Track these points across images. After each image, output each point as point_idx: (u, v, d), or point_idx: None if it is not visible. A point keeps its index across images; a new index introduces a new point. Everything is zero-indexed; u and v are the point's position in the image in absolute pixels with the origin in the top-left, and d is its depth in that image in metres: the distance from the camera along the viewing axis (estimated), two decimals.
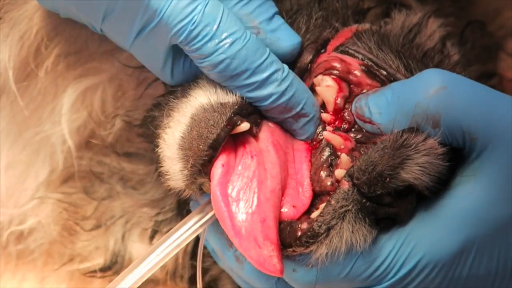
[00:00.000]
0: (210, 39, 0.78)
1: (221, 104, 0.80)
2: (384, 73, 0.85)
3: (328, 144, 0.83)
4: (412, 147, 0.78)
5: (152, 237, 0.95)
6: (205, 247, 0.93)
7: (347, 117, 0.84)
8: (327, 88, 0.84)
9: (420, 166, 0.78)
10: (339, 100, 0.84)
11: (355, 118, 0.83)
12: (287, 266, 0.81)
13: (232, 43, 0.78)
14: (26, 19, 0.88)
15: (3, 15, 0.88)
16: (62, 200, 0.96)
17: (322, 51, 0.87)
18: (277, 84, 0.80)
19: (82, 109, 0.92)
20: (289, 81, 0.81)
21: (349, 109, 0.84)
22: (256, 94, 0.80)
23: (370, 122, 0.82)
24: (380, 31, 0.88)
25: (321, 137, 0.84)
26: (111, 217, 0.96)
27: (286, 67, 0.82)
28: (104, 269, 0.96)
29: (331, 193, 0.81)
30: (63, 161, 0.94)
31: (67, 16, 0.85)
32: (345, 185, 0.78)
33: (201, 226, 0.83)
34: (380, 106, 0.82)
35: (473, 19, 0.99)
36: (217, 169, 0.79)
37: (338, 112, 0.84)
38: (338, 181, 0.80)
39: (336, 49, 0.86)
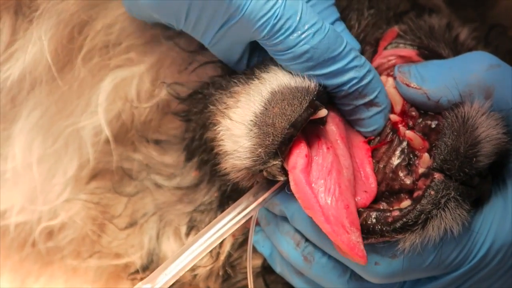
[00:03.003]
0: (293, 31, 0.79)
1: (303, 87, 0.80)
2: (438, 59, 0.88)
3: (402, 142, 0.85)
4: (475, 119, 0.80)
5: (188, 234, 0.94)
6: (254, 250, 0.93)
7: (413, 113, 0.86)
8: (394, 89, 0.86)
9: (491, 141, 0.81)
10: (406, 103, 0.86)
11: (399, 82, 0.85)
12: (369, 259, 0.80)
13: (314, 34, 0.79)
14: (62, 12, 0.88)
15: (39, 8, 0.88)
16: (90, 200, 0.96)
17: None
18: (357, 70, 0.81)
19: (117, 99, 0.92)
20: (367, 67, 0.82)
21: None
22: (335, 81, 0.81)
23: (416, 87, 0.84)
24: (424, 25, 0.91)
25: (389, 139, 0.86)
26: (144, 214, 0.96)
27: (359, 54, 0.82)
28: (144, 269, 0.95)
29: (412, 190, 0.83)
30: (93, 155, 0.94)
31: (141, 18, 0.86)
32: (440, 176, 0.80)
33: (253, 209, 0.83)
34: (428, 74, 0.84)
35: (495, 23, 1.01)
36: (301, 159, 0.79)
37: (404, 113, 0.86)
38: (417, 179, 0.82)
39: (385, 49, 0.89)
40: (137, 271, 0.95)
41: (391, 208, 0.82)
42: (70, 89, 0.92)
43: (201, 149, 0.91)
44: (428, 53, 0.89)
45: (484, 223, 0.83)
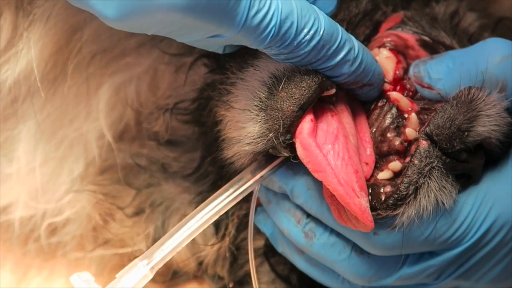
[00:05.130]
0: (293, 39, 0.78)
1: (309, 69, 0.80)
2: (442, 47, 0.89)
3: (392, 108, 0.85)
4: (482, 100, 0.80)
5: None
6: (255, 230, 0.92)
7: (408, 86, 0.86)
8: (387, 59, 0.86)
9: (491, 119, 0.81)
10: (398, 71, 0.86)
11: (413, 82, 0.85)
12: None
13: (312, 36, 0.78)
14: (52, 19, 0.89)
15: (32, 16, 0.89)
16: (98, 191, 0.96)
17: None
18: (349, 65, 0.81)
19: (118, 103, 0.93)
20: (359, 58, 0.81)
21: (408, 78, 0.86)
22: (330, 73, 0.81)
23: (430, 88, 0.84)
24: (428, 14, 0.91)
25: (380, 104, 0.86)
26: (151, 204, 0.96)
27: (355, 42, 0.82)
28: None
29: (400, 151, 0.82)
30: (99, 155, 0.95)
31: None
32: (425, 144, 0.80)
33: (251, 185, 0.82)
34: (441, 72, 0.84)
35: (502, 16, 1.00)
36: (307, 123, 0.79)
37: (397, 81, 0.86)
38: (407, 140, 0.82)
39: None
40: None
41: (377, 174, 0.82)
42: (67, 98, 0.93)
43: (216, 146, 0.91)
44: (430, 41, 0.89)
45: (487, 199, 0.82)
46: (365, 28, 0.90)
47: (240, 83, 0.82)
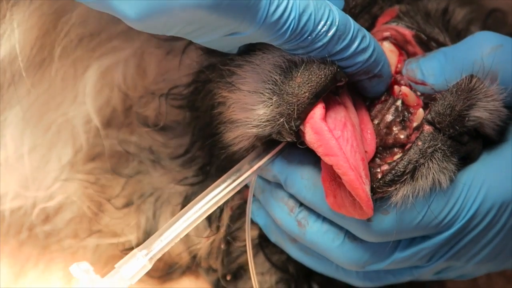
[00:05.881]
0: (309, 34, 0.78)
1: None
2: (434, 44, 0.89)
3: (396, 101, 0.86)
4: (481, 90, 0.82)
5: None
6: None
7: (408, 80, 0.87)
8: (390, 52, 0.87)
9: (488, 108, 0.82)
10: (400, 65, 0.87)
11: (407, 80, 0.86)
12: None
13: (328, 29, 0.79)
14: (37, 4, 0.88)
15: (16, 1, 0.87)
16: (88, 180, 0.96)
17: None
18: (362, 53, 0.81)
19: (105, 87, 0.92)
20: (372, 47, 0.82)
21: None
22: (343, 64, 0.81)
23: (423, 83, 0.85)
24: (422, 9, 0.92)
25: (383, 99, 0.86)
26: (141, 195, 0.96)
27: (366, 32, 0.82)
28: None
29: (405, 144, 0.83)
30: (86, 141, 0.94)
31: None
32: (429, 128, 0.81)
33: (250, 175, 0.83)
34: (433, 68, 0.85)
35: (494, 8, 1.01)
36: (319, 109, 0.79)
37: (398, 74, 0.87)
38: (411, 134, 0.83)
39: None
40: (131, 248, 0.93)
41: (383, 163, 0.83)
42: (54, 82, 0.92)
43: (208, 131, 0.91)
44: (424, 38, 0.90)
45: (476, 181, 0.83)
46: (364, 21, 0.91)
47: (248, 65, 0.82)
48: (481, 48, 0.83)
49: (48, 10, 0.89)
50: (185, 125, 0.93)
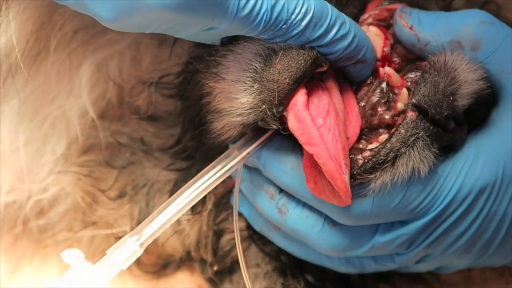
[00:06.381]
0: (284, 22, 0.79)
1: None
2: None
3: (381, 83, 0.86)
4: (455, 62, 0.83)
5: None
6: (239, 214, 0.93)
7: (395, 59, 0.88)
8: (376, 36, 0.88)
9: (469, 82, 0.83)
10: (386, 48, 0.88)
11: (396, 18, 0.87)
12: None
13: (303, 16, 0.79)
14: None
15: None
16: (81, 172, 0.96)
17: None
18: (342, 40, 0.82)
19: (101, 79, 0.93)
20: (352, 33, 0.82)
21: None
22: (323, 51, 0.82)
23: (411, 28, 0.86)
24: None
25: (369, 81, 0.87)
26: (134, 186, 0.96)
27: (346, 17, 0.83)
28: None
29: (391, 124, 0.84)
30: (81, 134, 0.95)
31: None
32: (412, 115, 0.81)
33: (239, 161, 0.83)
34: (425, 18, 0.87)
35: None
36: (301, 96, 0.80)
37: (385, 58, 0.87)
38: (396, 114, 0.84)
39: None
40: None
41: (366, 146, 0.83)
42: (50, 76, 0.93)
43: (198, 120, 0.92)
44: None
45: (454, 169, 0.84)
46: (353, 7, 0.91)
47: (231, 55, 0.83)
48: (474, 19, 0.86)
49: (43, 2, 0.89)
50: (176, 115, 0.94)
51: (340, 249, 0.86)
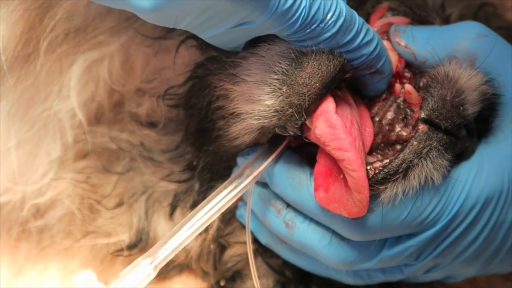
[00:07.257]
0: (318, 24, 0.78)
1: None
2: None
3: (396, 99, 0.86)
4: (455, 72, 0.83)
5: (171, 214, 0.93)
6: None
7: (406, 74, 0.87)
8: (390, 51, 0.87)
9: (473, 89, 0.83)
10: (400, 64, 0.87)
11: (391, 37, 0.87)
12: None
13: (336, 21, 0.79)
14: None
15: None
16: (78, 179, 0.95)
17: None
18: (367, 46, 0.82)
19: (90, 81, 0.92)
20: (376, 41, 0.83)
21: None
22: (348, 57, 0.81)
23: (406, 47, 0.86)
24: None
25: (384, 97, 0.86)
26: (133, 194, 0.95)
27: (369, 26, 0.83)
28: (130, 247, 0.94)
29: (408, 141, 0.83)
30: (74, 137, 0.94)
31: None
32: (424, 127, 0.81)
33: (251, 181, 0.83)
34: (419, 35, 0.87)
35: (484, 2, 1.02)
36: (331, 103, 0.79)
37: (398, 74, 0.87)
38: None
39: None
40: (121, 249, 0.95)
41: (382, 160, 0.83)
42: (40, 76, 0.91)
43: (201, 126, 0.90)
44: (420, 22, 0.90)
45: (460, 179, 0.84)
46: None
47: (253, 57, 0.81)
48: (468, 32, 0.86)
49: (33, 5, 0.88)
50: (179, 122, 0.92)
51: (347, 263, 0.86)
